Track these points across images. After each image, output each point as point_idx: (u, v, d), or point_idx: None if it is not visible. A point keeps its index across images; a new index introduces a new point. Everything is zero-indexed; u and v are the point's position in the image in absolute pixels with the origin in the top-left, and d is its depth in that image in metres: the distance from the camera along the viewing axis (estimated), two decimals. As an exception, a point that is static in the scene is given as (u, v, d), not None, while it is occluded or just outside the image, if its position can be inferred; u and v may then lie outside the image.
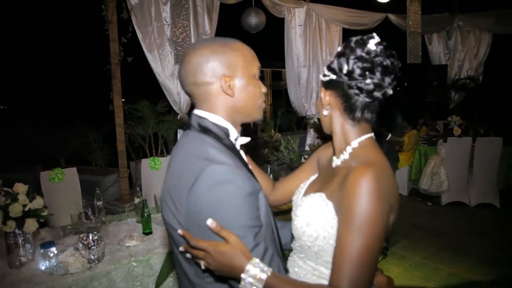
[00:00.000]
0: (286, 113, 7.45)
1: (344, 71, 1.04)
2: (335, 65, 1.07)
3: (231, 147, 1.03)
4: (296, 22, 6.41)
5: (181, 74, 1.04)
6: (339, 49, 1.08)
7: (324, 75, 1.12)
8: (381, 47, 1.03)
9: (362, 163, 1.00)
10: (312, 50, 6.62)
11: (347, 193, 0.95)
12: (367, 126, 1.12)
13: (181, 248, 0.97)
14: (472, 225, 4.60)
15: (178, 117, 4.69)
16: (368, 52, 1.02)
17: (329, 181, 1.11)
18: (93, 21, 4.04)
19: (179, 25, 4.49)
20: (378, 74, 1.02)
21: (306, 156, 6.39)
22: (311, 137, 6.76)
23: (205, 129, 1.01)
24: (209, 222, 0.87)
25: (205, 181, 0.88)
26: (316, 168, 1.33)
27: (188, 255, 0.96)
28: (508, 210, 5.04)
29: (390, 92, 1.05)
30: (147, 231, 2.41)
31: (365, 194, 0.91)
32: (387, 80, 1.03)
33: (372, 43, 1.03)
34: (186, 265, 1.01)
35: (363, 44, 1.03)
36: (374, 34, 1.05)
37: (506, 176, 5.33)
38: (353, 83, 1.03)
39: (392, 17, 6.92)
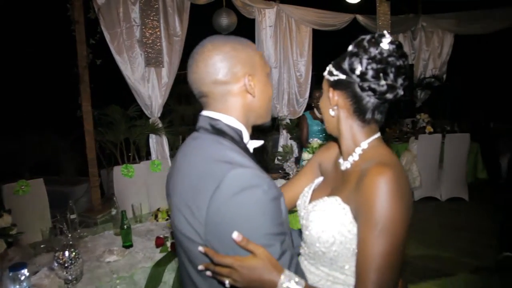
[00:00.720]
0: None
1: (358, 72, 1.00)
2: (345, 65, 1.03)
3: (246, 150, 0.98)
4: (266, 23, 6.38)
5: (199, 72, 0.95)
6: (350, 48, 1.04)
7: (331, 74, 1.07)
8: (393, 46, 0.99)
9: (378, 164, 0.96)
10: (283, 51, 6.61)
11: (366, 195, 0.92)
12: (376, 127, 1.09)
13: (200, 267, 0.89)
14: (445, 219, 4.72)
15: (150, 121, 4.51)
16: (381, 52, 0.98)
17: (342, 184, 1.07)
18: (59, 21, 3.79)
19: (148, 26, 4.34)
20: (391, 75, 0.98)
21: (279, 158, 6.38)
22: (283, 138, 6.74)
23: (219, 131, 0.96)
24: (235, 235, 0.81)
25: (228, 186, 0.81)
26: (318, 172, 1.29)
27: (208, 273, 0.89)
28: (476, 203, 5.22)
29: (402, 93, 1.01)
30: (128, 244, 2.27)
31: (385, 195, 0.89)
32: (400, 81, 1.00)
33: (385, 42, 0.99)
34: (199, 279, 0.94)
35: (376, 43, 0.99)
36: (385, 32, 1.01)
37: (473, 170, 5.53)
38: (365, 84, 1.00)
39: (360, 17, 7.02)
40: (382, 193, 0.89)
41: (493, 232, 4.25)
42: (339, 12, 6.93)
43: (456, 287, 3.28)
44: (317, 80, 6.97)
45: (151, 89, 4.50)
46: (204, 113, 1.00)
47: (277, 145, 6.76)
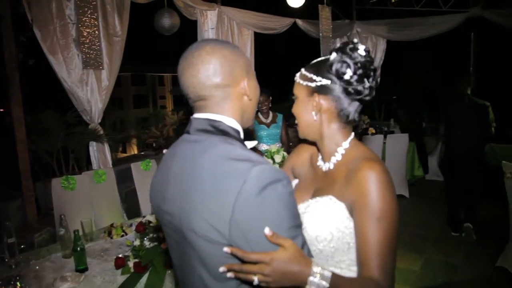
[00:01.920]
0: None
1: (347, 77, 1.07)
2: (332, 71, 1.09)
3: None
4: (208, 25, 6.24)
5: (198, 76, 0.94)
6: (335, 55, 1.09)
7: (312, 80, 1.12)
8: (367, 52, 1.09)
9: (366, 160, 1.06)
10: (225, 53, 6.52)
11: (361, 190, 1.00)
12: (351, 127, 1.17)
13: (222, 269, 0.88)
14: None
15: (90, 128, 4.14)
16: (362, 57, 1.07)
17: (328, 184, 1.13)
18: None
19: (86, 24, 3.97)
20: (370, 78, 1.08)
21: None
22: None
23: (224, 132, 0.96)
24: (267, 231, 0.82)
25: (254, 183, 0.82)
26: (292, 176, 1.35)
27: (230, 274, 0.87)
28: (416, 199, 5.55)
29: (374, 93, 1.11)
30: (82, 268, 2.01)
31: (379, 187, 0.99)
32: (374, 83, 1.10)
33: (362, 49, 1.08)
34: (214, 283, 0.92)
35: (356, 50, 1.08)
36: (356, 40, 1.12)
37: (411, 168, 5.87)
38: (351, 87, 1.08)
39: (299, 22, 7.16)
40: (376, 186, 0.99)
41: (435, 225, 4.56)
42: (279, 16, 7.01)
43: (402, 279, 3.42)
44: (260, 85, 6.97)
45: (90, 93, 4.13)
46: (201, 115, 0.98)
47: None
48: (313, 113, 1.13)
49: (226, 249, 0.85)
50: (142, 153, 8.00)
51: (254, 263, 0.84)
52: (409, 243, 4.14)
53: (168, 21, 5.15)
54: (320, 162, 1.22)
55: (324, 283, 0.87)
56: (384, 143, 5.42)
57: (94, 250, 2.26)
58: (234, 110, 0.99)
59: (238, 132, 1.00)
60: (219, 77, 0.94)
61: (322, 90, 1.10)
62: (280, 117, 4.11)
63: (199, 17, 5.94)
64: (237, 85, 0.98)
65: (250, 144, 1.05)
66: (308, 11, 7.08)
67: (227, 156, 0.88)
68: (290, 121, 6.30)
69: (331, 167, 1.16)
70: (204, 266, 0.91)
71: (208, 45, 0.96)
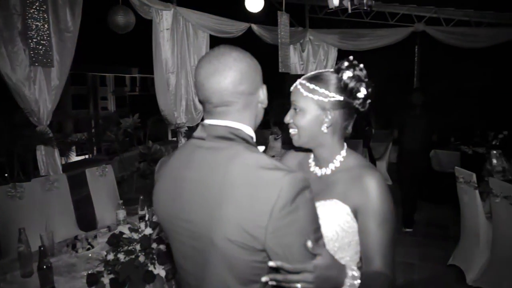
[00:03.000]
0: (156, 122, 6.92)
1: (361, 95, 1.18)
2: (347, 89, 1.17)
3: None
4: (164, 25, 6.05)
5: (225, 82, 0.95)
6: (349, 72, 1.17)
7: (326, 96, 1.17)
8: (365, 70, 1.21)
9: (366, 168, 1.18)
10: (180, 55, 6.35)
11: (367, 196, 1.12)
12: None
13: (265, 278, 0.92)
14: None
15: (38, 130, 3.78)
16: (365, 76, 1.19)
17: (327, 189, 1.21)
18: None
19: (33, 17, 3.63)
20: (370, 95, 1.20)
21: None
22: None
23: (244, 140, 0.98)
24: (309, 244, 0.87)
25: (289, 191, 0.86)
26: None
27: (271, 282, 0.93)
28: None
29: None
30: (48, 288, 1.80)
31: (382, 193, 1.12)
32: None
33: (361, 66, 1.20)
34: None
35: (360, 68, 1.19)
36: (351, 57, 1.21)
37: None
38: (359, 104, 1.19)
39: (255, 27, 7.19)
40: (380, 193, 1.12)
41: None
42: (235, 20, 6.98)
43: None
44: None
45: (38, 92, 3.78)
46: (219, 122, 0.98)
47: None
48: (325, 126, 1.20)
49: (271, 263, 0.89)
50: (84, 157, 7.52)
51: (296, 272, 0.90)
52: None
53: (122, 19, 4.90)
54: (314, 168, 1.30)
55: (357, 282, 0.98)
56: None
57: (58, 267, 2.04)
58: (251, 118, 1.02)
59: (253, 138, 1.03)
60: (244, 85, 0.97)
61: (335, 105, 1.18)
62: None
63: (154, 17, 5.73)
64: (256, 93, 1.02)
65: (260, 149, 1.07)
66: (264, 17, 7.13)
67: (258, 165, 0.90)
68: (272, 130, 6.26)
69: (328, 172, 1.25)
70: (231, 271, 0.93)
71: (234, 52, 0.98)
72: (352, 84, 1.17)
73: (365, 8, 4.94)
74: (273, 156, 4.83)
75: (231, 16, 6.82)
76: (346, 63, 1.20)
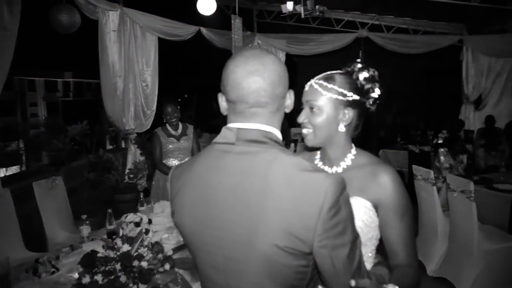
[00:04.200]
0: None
1: (375, 94, 1.24)
2: (365, 88, 1.23)
3: None
4: (110, 26, 5.74)
5: (264, 83, 0.93)
6: (366, 73, 1.23)
7: (344, 95, 1.21)
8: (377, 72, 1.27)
9: (379, 165, 1.23)
10: (128, 59, 6.08)
11: (386, 191, 1.17)
12: None
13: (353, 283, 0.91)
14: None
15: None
16: (378, 77, 1.25)
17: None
18: None
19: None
20: (381, 95, 1.26)
21: (131, 176, 5.76)
22: (132, 154, 6.14)
23: (278, 143, 0.96)
24: (352, 283, 0.86)
25: (333, 192, 0.86)
26: None
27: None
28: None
29: None
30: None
31: (400, 187, 1.18)
32: None
33: (373, 69, 1.26)
34: None
35: (373, 70, 1.25)
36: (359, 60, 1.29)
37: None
38: (372, 104, 1.26)
39: (204, 30, 7.08)
40: (398, 187, 1.18)
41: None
42: (184, 23, 6.82)
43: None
44: (163, 93, 6.64)
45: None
46: (250, 125, 0.95)
47: (125, 162, 6.08)
48: (342, 124, 1.23)
49: (353, 283, 0.87)
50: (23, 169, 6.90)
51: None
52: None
53: (66, 19, 4.56)
54: (324, 167, 1.31)
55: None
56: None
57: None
58: (279, 122, 1.01)
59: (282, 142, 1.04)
60: (280, 87, 0.96)
61: (352, 105, 1.21)
62: (190, 128, 3.78)
63: (101, 17, 5.44)
64: (286, 96, 1.00)
65: None
66: (213, 21, 7.05)
67: (299, 167, 0.89)
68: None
69: (339, 171, 1.27)
70: (272, 278, 0.91)
71: (270, 53, 0.99)
72: (368, 85, 1.23)
73: (317, 13, 5.06)
74: None
75: (180, 18, 6.65)
76: (359, 65, 1.26)
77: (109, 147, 6.96)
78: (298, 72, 10.67)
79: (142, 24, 6.19)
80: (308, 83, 1.26)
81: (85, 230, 2.42)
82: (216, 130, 7.52)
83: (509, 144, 5.01)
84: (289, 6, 5.01)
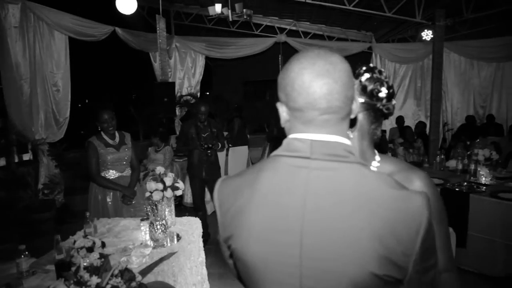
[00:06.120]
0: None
1: (382, 94, 1.16)
2: (367, 91, 1.16)
3: None
4: (11, 22, 5.04)
5: (338, 84, 0.83)
6: (368, 75, 1.17)
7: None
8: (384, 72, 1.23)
9: (413, 169, 1.17)
10: (34, 59, 5.43)
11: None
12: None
13: None
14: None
15: None
16: (385, 77, 1.19)
17: None
18: None
19: None
20: (392, 95, 1.20)
21: (46, 191, 5.13)
22: (45, 167, 5.47)
23: (357, 159, 0.86)
24: None
25: (428, 211, 0.80)
26: None
27: None
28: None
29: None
30: None
31: (435, 192, 1.15)
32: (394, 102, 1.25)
33: (380, 69, 1.21)
34: None
35: (378, 71, 1.19)
36: (372, 64, 1.24)
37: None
38: (382, 104, 1.17)
39: (119, 31, 6.63)
40: (432, 191, 1.12)
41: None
42: (98, 22, 6.31)
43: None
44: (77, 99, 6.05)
45: None
46: (328, 137, 0.84)
47: (38, 176, 5.39)
48: (350, 130, 1.13)
49: None
50: None
51: None
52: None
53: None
54: None
55: None
56: (227, 155, 5.58)
57: None
58: (346, 131, 0.89)
59: None
60: (351, 90, 0.86)
61: (361, 108, 1.16)
62: (128, 136, 3.45)
63: (-1, 10, 4.72)
64: (354, 99, 0.90)
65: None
66: (128, 22, 6.64)
67: (387, 184, 0.81)
68: (153, 141, 5.69)
69: None
70: None
71: (336, 53, 0.86)
72: (371, 86, 1.16)
73: (245, 17, 5.07)
74: (153, 170, 4.48)
75: (92, 17, 6.13)
76: (364, 67, 1.20)
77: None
78: (214, 76, 10.65)
79: (49, 21, 5.58)
80: None
81: (24, 263, 2.05)
82: (137, 137, 7.09)
83: (422, 141, 5.60)
84: (217, 8, 4.93)
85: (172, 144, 6.71)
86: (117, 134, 3.33)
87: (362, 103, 1.16)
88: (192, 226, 2.83)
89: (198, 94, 8.33)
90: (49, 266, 2.17)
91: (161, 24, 5.52)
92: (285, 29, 7.73)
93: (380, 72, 1.19)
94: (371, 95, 1.17)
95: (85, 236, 2.25)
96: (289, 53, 6.39)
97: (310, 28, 7.79)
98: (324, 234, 0.80)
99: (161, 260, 2.16)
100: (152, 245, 2.44)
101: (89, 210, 3.12)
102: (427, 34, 6.66)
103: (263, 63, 8.65)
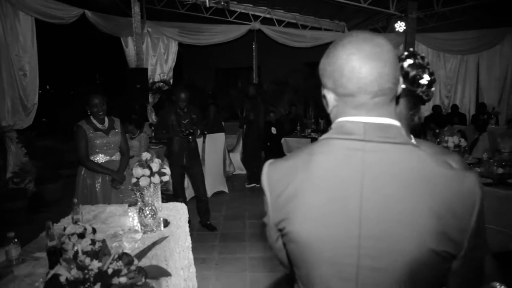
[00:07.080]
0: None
1: (424, 81, 1.16)
2: (411, 75, 1.17)
3: None
4: (-31, 0, 4.76)
5: (388, 65, 0.84)
6: (410, 60, 1.17)
7: None
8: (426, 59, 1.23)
9: (448, 153, 1.21)
10: (-1, 42, 5.15)
11: None
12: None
13: None
14: (228, 211, 5.15)
15: None
16: (427, 64, 1.19)
17: None
18: None
19: None
20: (433, 82, 1.20)
21: (16, 180, 4.94)
22: (13, 155, 5.25)
23: (408, 138, 0.88)
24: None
25: (481, 190, 0.82)
26: None
27: None
28: (236, 193, 5.97)
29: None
30: None
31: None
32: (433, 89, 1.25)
33: (422, 55, 1.21)
34: None
35: (420, 57, 1.19)
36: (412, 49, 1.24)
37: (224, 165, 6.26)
38: (422, 90, 1.18)
39: (89, 14, 6.40)
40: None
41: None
42: (66, 4, 6.06)
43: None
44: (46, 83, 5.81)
45: None
46: (381, 120, 0.86)
47: (6, 165, 5.17)
48: None
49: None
50: None
51: None
52: (251, 233, 4.41)
53: None
54: None
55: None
56: (204, 142, 5.55)
57: None
58: (395, 111, 0.91)
59: None
60: (398, 70, 0.88)
61: (401, 94, 1.13)
62: (117, 122, 3.44)
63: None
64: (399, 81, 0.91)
65: None
66: (100, 4, 6.42)
67: (442, 165, 0.84)
68: (128, 128, 5.55)
69: None
70: (414, 285, 0.84)
71: (379, 35, 0.88)
72: (413, 72, 1.16)
73: (222, 3, 5.02)
74: (132, 157, 4.42)
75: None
76: (406, 53, 1.20)
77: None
78: (184, 63, 10.46)
79: (13, 0, 5.29)
80: None
81: (14, 251, 2.00)
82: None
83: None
84: (195, -7, 4.84)
85: (145, 131, 6.59)
86: (106, 119, 3.32)
87: (403, 89, 1.13)
88: (179, 212, 2.83)
89: (171, 81, 8.19)
90: (38, 253, 2.12)
91: (136, 8, 5.38)
92: (259, 16, 7.71)
93: (423, 58, 1.19)
94: (413, 82, 1.17)
95: (75, 223, 2.22)
96: (263, 40, 6.42)
97: (284, 16, 7.81)
98: (382, 214, 0.82)
99: (154, 244, 2.15)
100: (141, 230, 2.43)
101: (77, 196, 3.07)
102: (400, 26, 6.89)
103: (236, 51, 8.60)
